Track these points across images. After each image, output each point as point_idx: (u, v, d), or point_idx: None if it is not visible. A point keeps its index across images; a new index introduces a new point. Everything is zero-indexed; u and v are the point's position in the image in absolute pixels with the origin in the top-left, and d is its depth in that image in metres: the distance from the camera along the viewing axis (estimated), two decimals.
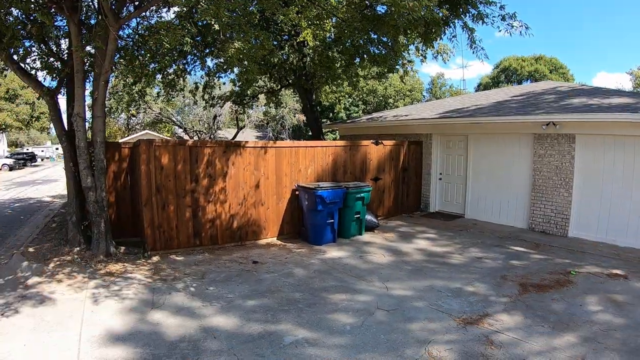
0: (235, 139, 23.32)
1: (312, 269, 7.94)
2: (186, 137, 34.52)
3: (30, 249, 8.93)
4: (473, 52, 9.89)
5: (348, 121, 15.16)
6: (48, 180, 26.17)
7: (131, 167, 9.55)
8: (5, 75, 12.05)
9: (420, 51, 11.23)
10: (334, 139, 22.84)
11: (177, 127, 37.55)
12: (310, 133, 15.84)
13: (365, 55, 10.67)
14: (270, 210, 9.69)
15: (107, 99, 11.04)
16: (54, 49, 9.71)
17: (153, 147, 8.55)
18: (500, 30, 9.35)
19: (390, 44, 10.06)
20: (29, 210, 14.78)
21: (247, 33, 7.62)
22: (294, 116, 38.59)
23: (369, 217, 10.31)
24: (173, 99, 14.02)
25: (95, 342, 5.20)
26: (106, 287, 7.03)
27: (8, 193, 19.74)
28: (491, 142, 11.15)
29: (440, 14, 8.34)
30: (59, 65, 9.25)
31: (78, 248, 8.44)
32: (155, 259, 8.47)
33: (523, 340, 5.05)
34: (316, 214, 9.37)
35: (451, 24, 9.42)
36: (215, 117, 33.67)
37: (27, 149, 52.25)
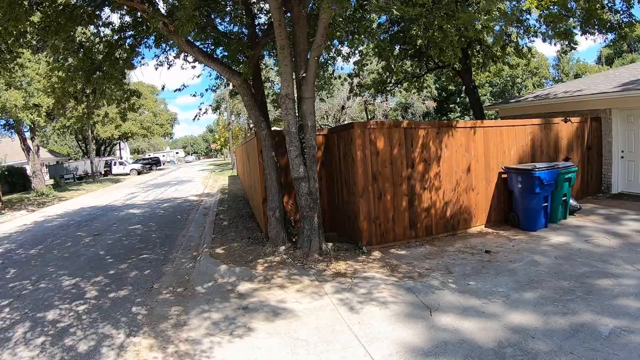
0: None
1: (550, 255, 5.52)
2: None
3: (219, 250, 6.54)
4: None
5: (511, 101, 11.91)
6: (182, 181, 23.65)
7: (327, 155, 6.96)
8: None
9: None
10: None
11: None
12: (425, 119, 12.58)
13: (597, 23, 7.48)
14: (480, 196, 6.91)
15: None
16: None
17: (368, 129, 5.95)
18: None
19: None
20: (180, 209, 12.43)
21: None
22: (423, 103, 30.87)
23: (571, 200, 7.36)
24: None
25: None
26: (350, 291, 4.64)
27: (149, 194, 17.46)
28: None
29: None
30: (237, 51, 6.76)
31: (283, 247, 5.95)
32: (376, 254, 5.92)
33: None
34: (532, 197, 6.55)
35: None
36: (343, 107, 27.69)
37: (149, 155, 49.94)
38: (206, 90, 7.84)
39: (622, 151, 8.25)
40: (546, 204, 6.68)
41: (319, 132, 6.87)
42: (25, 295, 5.32)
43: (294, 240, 6.10)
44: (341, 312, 4.18)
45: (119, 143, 39.34)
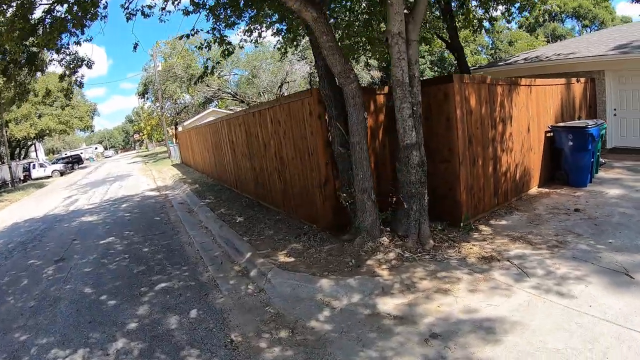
0: None
1: (627, 206, 4.83)
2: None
3: (283, 258, 4.31)
4: None
5: (500, 63, 10.92)
6: (120, 177, 18.49)
7: (390, 119, 5.13)
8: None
9: None
10: None
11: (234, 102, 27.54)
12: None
13: None
14: (535, 156, 5.97)
15: None
16: None
17: (464, 84, 4.43)
18: None
19: None
20: (149, 209, 9.11)
21: None
22: (369, 72, 26.26)
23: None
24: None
25: None
26: (531, 275, 3.32)
27: (91, 196, 12.89)
28: None
29: None
30: None
31: (386, 238, 4.09)
32: (485, 228, 4.59)
33: None
34: (585, 154, 5.87)
35: None
36: (282, 84, 23.35)
37: (66, 154, 38.81)
38: (211, 42, 5.39)
39: (615, 109, 8.13)
40: (593, 159, 6.05)
41: (379, 92, 5.06)
42: None
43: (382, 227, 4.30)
44: (557, 301, 2.90)
45: (35, 143, 30.00)
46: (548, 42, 30.35)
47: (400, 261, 3.69)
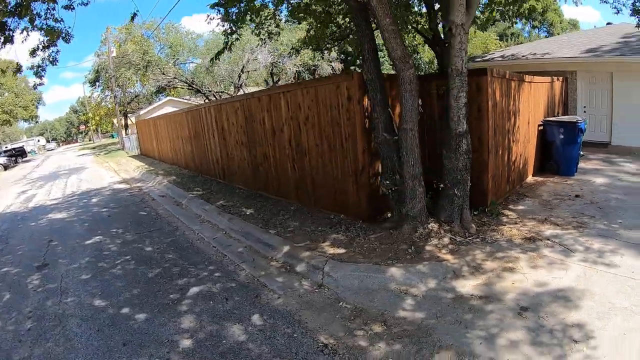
0: None
1: (617, 192, 5.44)
2: (200, 101, 22.75)
3: (331, 250, 4.04)
4: None
5: (477, 59, 11.21)
6: (74, 170, 16.33)
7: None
8: None
9: None
10: None
11: (188, 91, 25.09)
12: None
13: None
14: (531, 147, 6.44)
15: None
16: None
17: (493, 77, 4.63)
18: None
19: None
20: (127, 203, 8.22)
21: None
22: (330, 64, 24.67)
23: None
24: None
25: None
26: (575, 251, 3.65)
27: (50, 191, 11.12)
28: (636, 76, 8.11)
29: None
30: None
31: (434, 224, 4.07)
32: (509, 213, 4.89)
33: None
34: (574, 146, 6.49)
35: None
36: (241, 72, 21.60)
37: (7, 146, 33.00)
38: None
39: (585, 106, 8.95)
40: (579, 152, 6.67)
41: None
42: None
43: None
44: (607, 271, 3.28)
45: None
46: (500, 40, 32.67)
47: (456, 245, 3.76)
